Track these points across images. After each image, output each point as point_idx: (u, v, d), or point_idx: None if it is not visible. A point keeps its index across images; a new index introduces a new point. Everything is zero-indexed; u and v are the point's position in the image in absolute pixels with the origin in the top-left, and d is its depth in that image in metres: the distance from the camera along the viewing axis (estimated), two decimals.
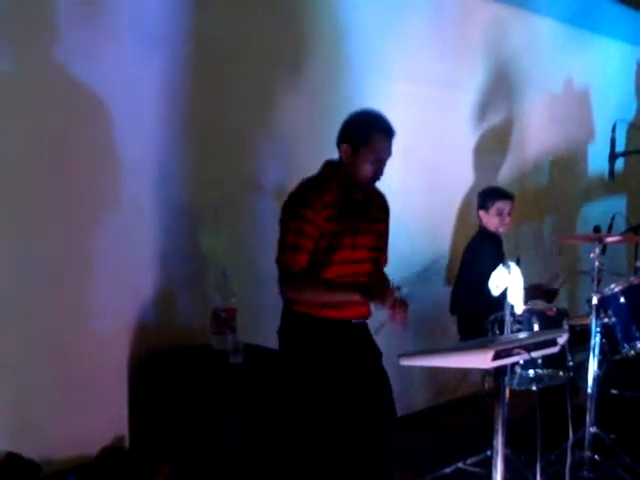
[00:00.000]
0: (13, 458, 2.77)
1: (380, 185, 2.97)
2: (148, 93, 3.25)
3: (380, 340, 2.94)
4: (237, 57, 3.56)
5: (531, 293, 4.12)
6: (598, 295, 3.70)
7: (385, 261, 3.09)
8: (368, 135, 2.78)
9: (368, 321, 2.95)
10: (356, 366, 2.83)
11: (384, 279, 2.96)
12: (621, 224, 4.79)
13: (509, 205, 4.17)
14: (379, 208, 3.00)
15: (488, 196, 4.20)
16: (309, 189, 2.82)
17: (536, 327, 3.50)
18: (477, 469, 3.65)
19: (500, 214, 4.14)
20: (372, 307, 2.92)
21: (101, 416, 3.16)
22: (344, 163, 2.84)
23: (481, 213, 4.20)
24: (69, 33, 2.96)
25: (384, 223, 3.02)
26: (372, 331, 2.93)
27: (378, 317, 2.91)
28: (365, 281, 2.81)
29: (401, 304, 2.69)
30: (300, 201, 2.79)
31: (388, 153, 2.82)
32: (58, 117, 2.98)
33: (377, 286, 2.73)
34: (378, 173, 2.84)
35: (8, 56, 2.83)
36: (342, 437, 2.80)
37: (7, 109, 2.83)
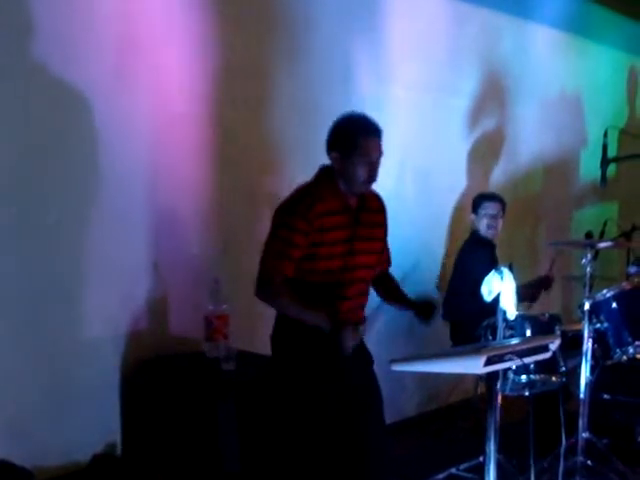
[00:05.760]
0: (5, 465, 2.75)
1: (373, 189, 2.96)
2: (137, 95, 3.24)
3: (372, 345, 2.94)
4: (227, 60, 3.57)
5: (530, 292, 4.13)
6: (590, 301, 3.70)
7: (389, 262, 3.08)
8: (355, 140, 2.75)
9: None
10: (347, 373, 2.81)
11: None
12: (613, 230, 4.81)
13: (497, 207, 4.18)
14: (375, 211, 2.96)
15: (477, 200, 4.25)
16: (302, 198, 2.79)
17: (528, 333, 3.51)
18: (470, 475, 3.65)
19: (488, 216, 4.15)
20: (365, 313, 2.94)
21: (93, 423, 3.15)
22: (337, 170, 2.82)
23: (472, 217, 4.23)
24: (49, 32, 2.91)
25: (382, 227, 2.99)
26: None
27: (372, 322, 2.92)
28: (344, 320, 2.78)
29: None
30: (292, 210, 2.77)
31: (379, 153, 2.79)
32: (42, 121, 2.95)
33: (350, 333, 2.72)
34: (372, 175, 2.80)
35: None
36: (333, 444, 2.79)
37: None
